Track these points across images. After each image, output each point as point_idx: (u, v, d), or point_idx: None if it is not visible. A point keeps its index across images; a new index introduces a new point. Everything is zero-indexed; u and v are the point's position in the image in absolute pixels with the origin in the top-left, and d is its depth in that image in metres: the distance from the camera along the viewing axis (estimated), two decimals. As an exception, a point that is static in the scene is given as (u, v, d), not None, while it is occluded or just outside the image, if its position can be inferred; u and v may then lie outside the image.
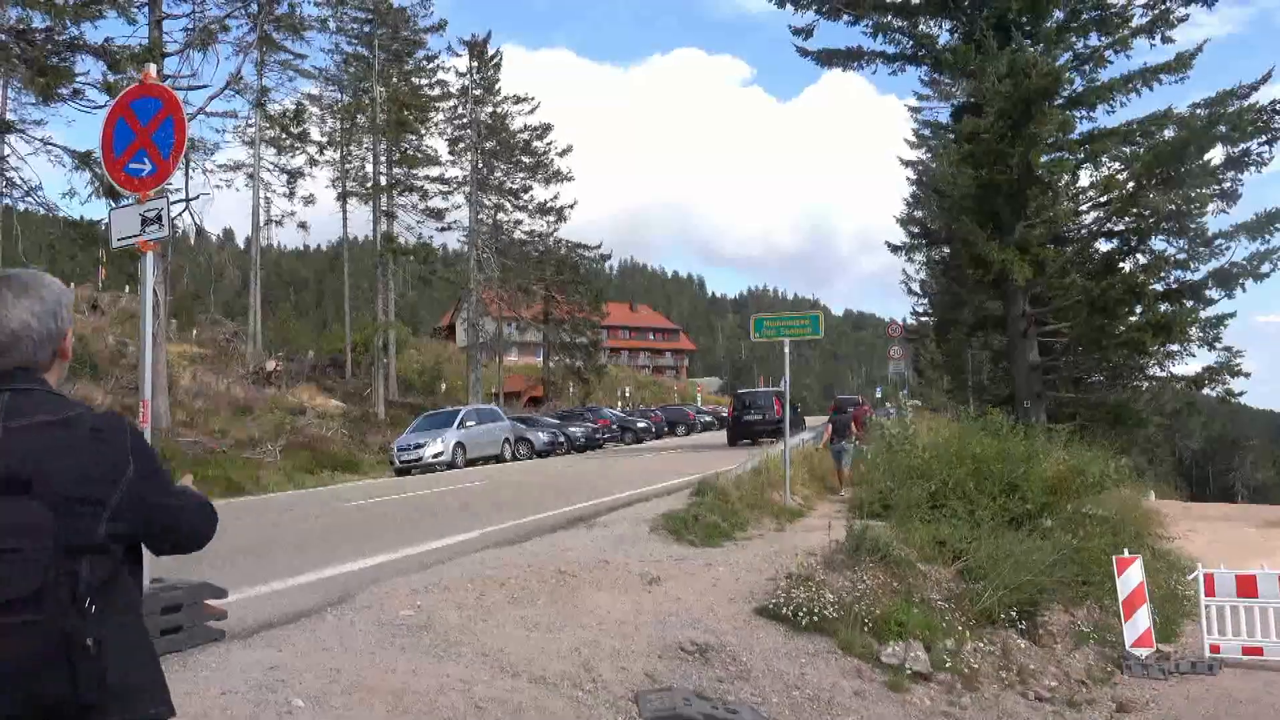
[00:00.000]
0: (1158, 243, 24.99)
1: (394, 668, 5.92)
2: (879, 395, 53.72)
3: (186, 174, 24.22)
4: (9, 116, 23.66)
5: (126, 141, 5.96)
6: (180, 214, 21.20)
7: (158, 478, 2.04)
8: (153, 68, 6.33)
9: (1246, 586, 10.78)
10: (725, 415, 53.44)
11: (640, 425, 41.12)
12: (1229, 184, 23.38)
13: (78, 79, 18.93)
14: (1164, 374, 26.99)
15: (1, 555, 1.74)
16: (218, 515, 2.26)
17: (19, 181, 19.50)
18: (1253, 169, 22.70)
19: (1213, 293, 23.28)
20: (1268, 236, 22.24)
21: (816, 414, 46.28)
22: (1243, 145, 22.31)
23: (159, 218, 5.90)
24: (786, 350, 15.48)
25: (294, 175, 41.16)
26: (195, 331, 42.74)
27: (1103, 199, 25.15)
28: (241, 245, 71.08)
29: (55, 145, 19.34)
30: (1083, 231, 26.90)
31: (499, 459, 28.04)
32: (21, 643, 1.73)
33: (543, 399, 53.49)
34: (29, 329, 1.97)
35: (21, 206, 20.80)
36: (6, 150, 20.06)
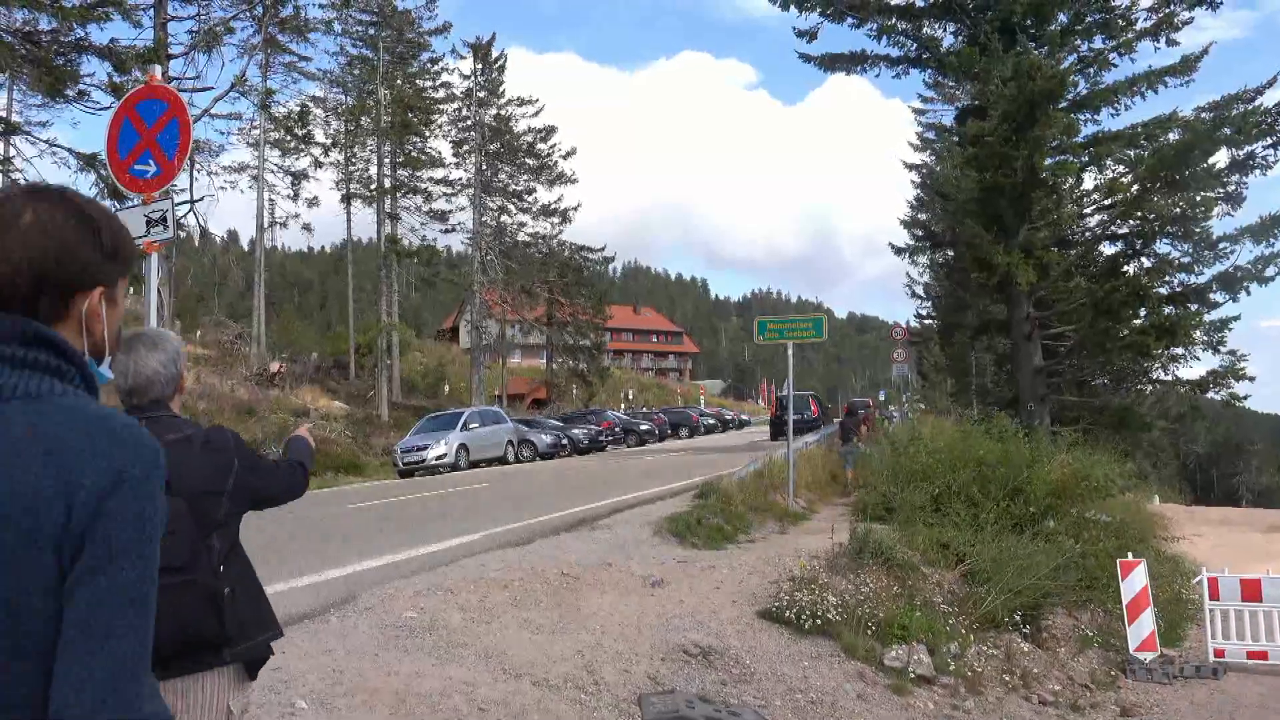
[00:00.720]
0: (1162, 246, 24.94)
1: (397, 670, 5.92)
2: (883, 398, 53.77)
3: (191, 176, 24.25)
4: (15, 118, 23.73)
5: (132, 143, 5.97)
6: (185, 216, 21.26)
7: (257, 468, 2.80)
8: (158, 69, 6.35)
9: (1251, 590, 10.76)
10: (731, 418, 53.76)
11: (643, 428, 41.11)
12: (1234, 187, 23.33)
13: (83, 80, 18.99)
14: (1168, 378, 26.95)
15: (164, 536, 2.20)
16: (309, 465, 3.11)
17: (23, 183, 19.56)
18: (1258, 172, 22.65)
19: (1217, 296, 23.21)
20: (1272, 240, 22.16)
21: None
22: (1248, 148, 22.25)
23: (164, 219, 5.91)
24: (790, 353, 15.49)
25: (298, 177, 41.23)
26: (199, 333, 42.79)
27: (1107, 202, 25.09)
28: (246, 247, 71.13)
29: (60, 147, 19.46)
30: (1087, 234, 26.84)
31: (502, 461, 28.04)
32: (184, 596, 2.41)
33: (546, 401, 53.52)
34: (158, 374, 2.69)
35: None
36: (12, 152, 20.12)
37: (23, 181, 18.14)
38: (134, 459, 1.32)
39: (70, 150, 19.20)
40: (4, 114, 23.19)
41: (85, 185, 19.89)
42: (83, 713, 1.19)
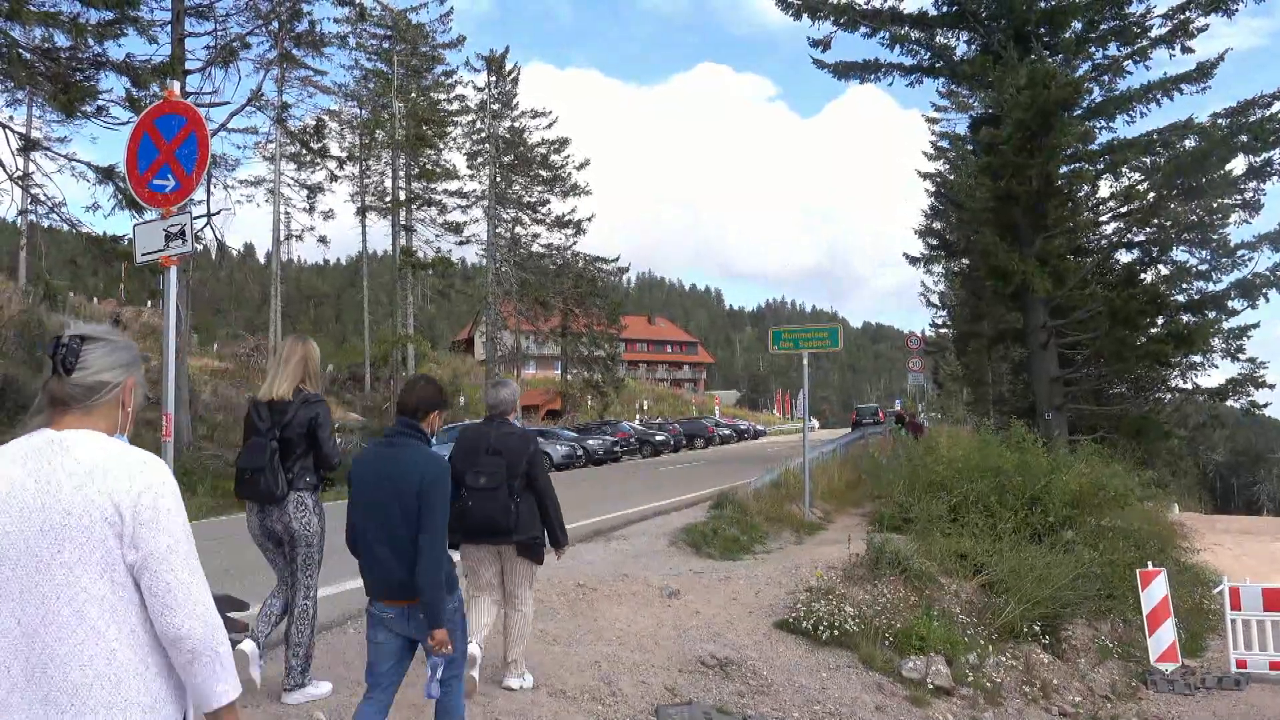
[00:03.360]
0: (1179, 253, 24.83)
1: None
2: (897, 407, 53.89)
3: (208, 189, 24.34)
4: (35, 134, 23.95)
5: (151, 158, 6.01)
6: (202, 229, 21.40)
7: (540, 458, 5.70)
8: (176, 85, 6.40)
9: (1273, 600, 10.64)
10: (747, 429, 53.95)
11: (658, 438, 40.98)
12: (1251, 194, 23.23)
13: (101, 96, 19.14)
14: (1187, 386, 26.77)
15: (492, 474, 5.43)
16: (557, 503, 5.80)
17: (44, 198, 19.71)
18: (1275, 179, 22.54)
19: (1235, 303, 23.10)
20: (1291, 246, 22.08)
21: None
22: (1264, 155, 22.15)
23: (182, 233, 5.94)
24: (805, 362, 15.46)
25: (314, 190, 41.39)
26: (216, 346, 43.05)
27: (1123, 210, 25.00)
28: (262, 260, 71.58)
29: (79, 161, 19.56)
30: (1103, 242, 26.74)
31: (517, 472, 28.01)
32: (493, 501, 5.41)
33: (561, 412, 53.50)
34: (507, 400, 5.72)
35: (46, 223, 21.04)
36: (32, 168, 20.30)
37: (42, 197, 18.13)
38: (441, 467, 3.98)
39: (89, 165, 19.35)
40: (24, 130, 23.42)
41: (104, 198, 20.07)
42: (429, 556, 3.80)
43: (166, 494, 1.98)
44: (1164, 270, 25.11)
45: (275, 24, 23.87)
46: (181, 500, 2.03)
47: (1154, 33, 24.21)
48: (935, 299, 47.83)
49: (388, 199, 43.13)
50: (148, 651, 1.94)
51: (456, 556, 5.02)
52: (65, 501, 1.91)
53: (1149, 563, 11.47)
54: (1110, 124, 25.01)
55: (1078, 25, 24.42)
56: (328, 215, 43.21)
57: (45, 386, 2.07)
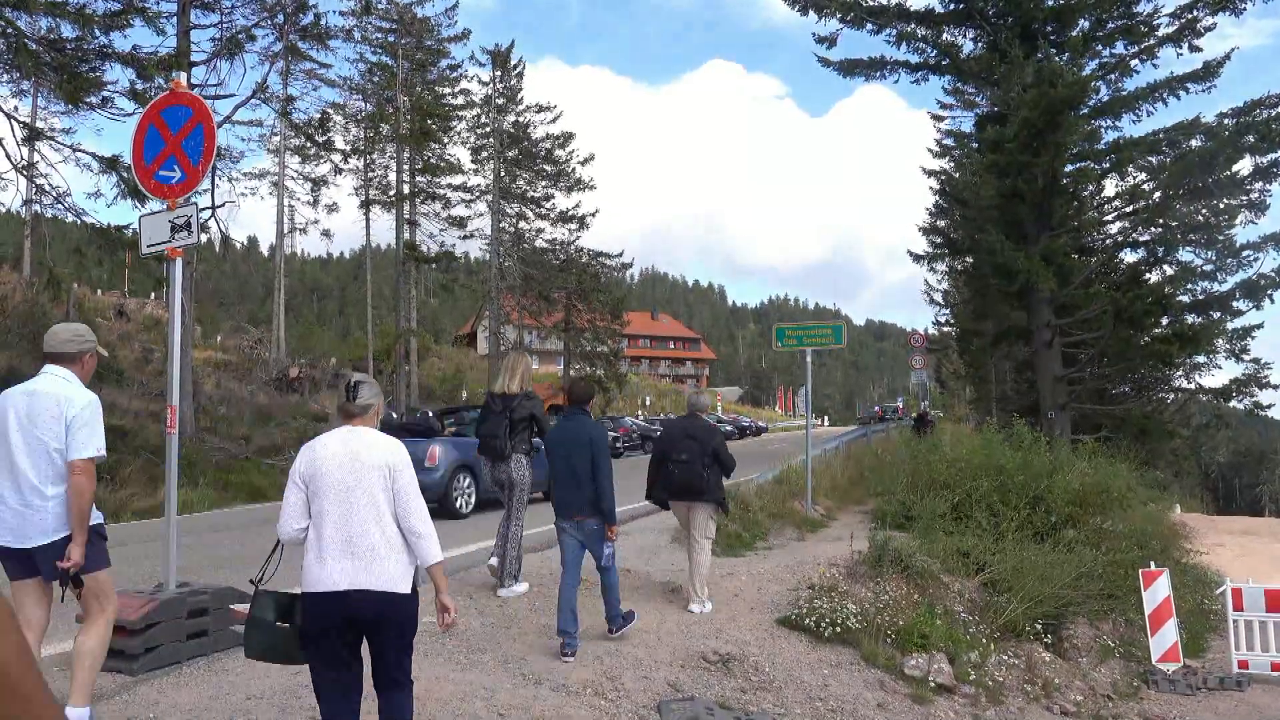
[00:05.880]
0: (1184, 253, 24.74)
1: (417, 675, 5.90)
2: (899, 404, 54.29)
3: (213, 182, 24.25)
4: (39, 125, 23.93)
5: (157, 149, 6.01)
6: (207, 221, 21.38)
7: (723, 441, 8.30)
8: (183, 76, 6.38)
9: (1276, 601, 10.64)
10: (749, 425, 54.00)
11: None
12: (1257, 194, 23.10)
13: (106, 87, 19.10)
14: (1191, 386, 26.70)
15: (690, 451, 8.00)
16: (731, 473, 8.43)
17: (48, 188, 19.68)
18: (1281, 179, 22.43)
19: (1240, 304, 23.00)
20: (1296, 247, 21.99)
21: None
22: (1271, 155, 22.04)
23: (188, 224, 5.94)
24: (809, 360, 15.44)
25: (318, 183, 41.29)
26: (219, 338, 43.05)
27: (1129, 209, 24.92)
28: (266, 253, 71.58)
29: (84, 152, 19.48)
30: (1108, 242, 26.67)
31: (520, 466, 27.97)
32: (689, 471, 7.99)
33: (562, 407, 53.41)
34: (705, 403, 9.16)
35: (50, 213, 21.01)
36: (36, 158, 20.28)
37: (47, 187, 18.17)
38: (603, 429, 7.02)
39: (93, 154, 19.29)
40: (29, 120, 23.40)
41: (107, 187, 20.01)
42: (603, 483, 6.71)
43: (402, 460, 3.99)
44: (1169, 270, 25.02)
45: (280, 17, 23.84)
46: (409, 456, 4.04)
47: (1161, 31, 24.10)
48: (938, 297, 47.81)
49: (392, 193, 43.07)
50: (399, 531, 3.94)
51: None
52: (362, 459, 3.90)
53: (1151, 563, 11.47)
54: (1116, 123, 24.92)
55: (1085, 23, 24.31)
56: (332, 209, 43.24)
57: (341, 407, 4.08)
